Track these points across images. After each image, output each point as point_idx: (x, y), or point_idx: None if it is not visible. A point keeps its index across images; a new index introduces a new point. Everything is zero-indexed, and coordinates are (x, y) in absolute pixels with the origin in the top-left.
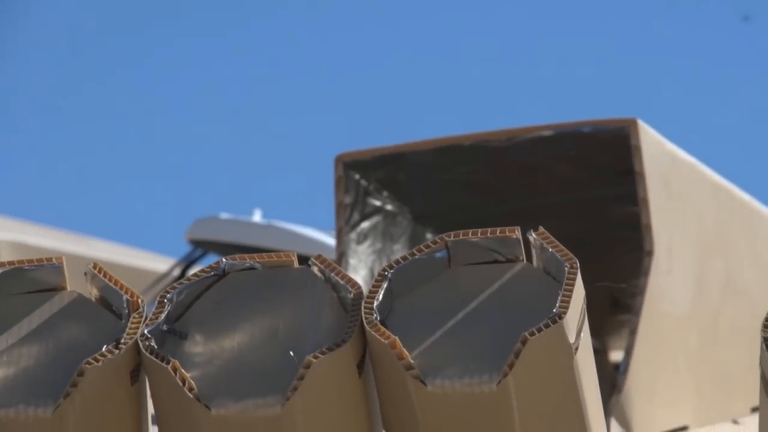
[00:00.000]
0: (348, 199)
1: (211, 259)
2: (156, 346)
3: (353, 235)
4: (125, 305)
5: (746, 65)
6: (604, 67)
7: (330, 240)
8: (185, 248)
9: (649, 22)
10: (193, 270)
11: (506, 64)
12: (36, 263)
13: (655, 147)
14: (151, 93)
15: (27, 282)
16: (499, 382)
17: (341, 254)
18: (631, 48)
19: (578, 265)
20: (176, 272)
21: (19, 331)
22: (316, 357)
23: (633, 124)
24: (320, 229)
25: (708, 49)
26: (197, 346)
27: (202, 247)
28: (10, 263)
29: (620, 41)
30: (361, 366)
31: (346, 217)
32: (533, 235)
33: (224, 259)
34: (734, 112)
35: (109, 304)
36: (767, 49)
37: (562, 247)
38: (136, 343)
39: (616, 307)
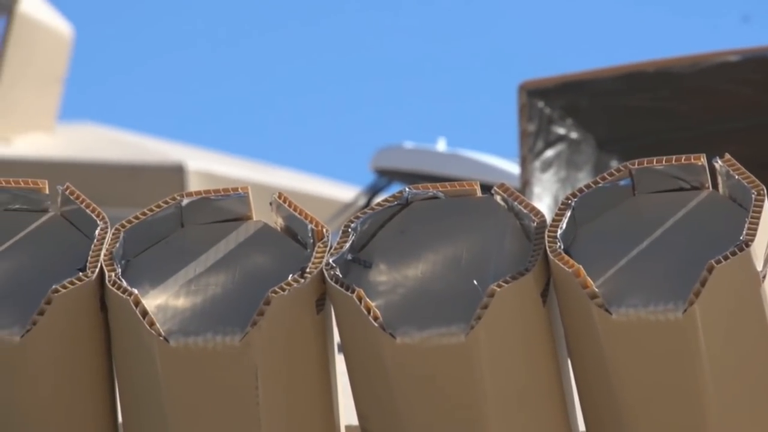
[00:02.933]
0: (532, 127)
1: (396, 188)
2: (341, 275)
3: (537, 164)
4: (310, 234)
5: (449, 90)
6: (305, 85)
7: (513, 168)
8: (370, 177)
9: (648, 22)
10: (379, 199)
11: None
12: (222, 193)
13: None
14: (336, 22)
15: (213, 211)
16: (685, 310)
17: (525, 182)
18: (631, 48)
19: (765, 191)
20: (361, 201)
21: (206, 261)
22: (499, 285)
23: None
24: (504, 158)
25: (708, 49)
26: (381, 275)
27: (386, 175)
28: (197, 193)
29: (620, 41)
30: (545, 295)
31: (530, 145)
32: (719, 161)
33: (407, 188)
34: (437, 133)
35: (294, 233)
36: None
37: (748, 173)
38: (321, 272)
39: None
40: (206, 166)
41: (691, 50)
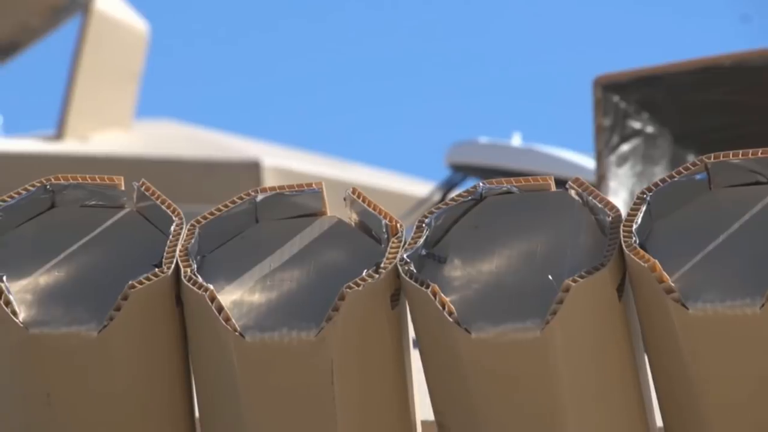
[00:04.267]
0: (607, 122)
1: (471, 183)
2: (415, 271)
3: (613, 158)
4: (384, 230)
5: (526, 83)
6: (382, 79)
7: (589, 163)
8: (445, 172)
9: (648, 22)
10: (453, 194)
11: None
12: (296, 188)
13: None
14: (413, 16)
15: (288, 207)
16: (763, 305)
17: (601, 177)
18: (631, 48)
19: None
20: (436, 197)
21: (281, 256)
22: (575, 280)
23: None
24: (579, 152)
25: (707, 49)
26: (456, 270)
27: (461, 171)
28: (272, 189)
29: (618, 41)
30: (620, 290)
31: (606, 140)
32: None
33: (481, 183)
34: (512, 128)
35: (368, 228)
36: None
37: None
38: (396, 267)
39: None
40: (282, 162)
41: (691, 50)
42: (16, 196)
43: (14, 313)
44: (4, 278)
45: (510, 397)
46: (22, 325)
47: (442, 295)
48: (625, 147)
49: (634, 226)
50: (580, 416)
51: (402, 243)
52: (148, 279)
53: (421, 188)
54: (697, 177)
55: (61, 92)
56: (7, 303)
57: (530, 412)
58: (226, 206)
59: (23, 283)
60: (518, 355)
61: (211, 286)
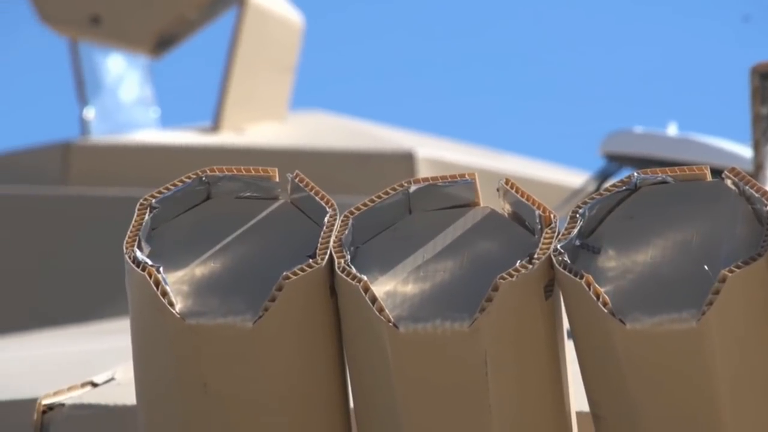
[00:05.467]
0: (765, 111)
1: (625, 173)
2: (569, 261)
3: None
4: (537, 220)
5: (746, 65)
6: (535, 69)
7: (746, 152)
8: (599, 162)
9: (647, 22)
10: (608, 184)
11: None
12: (449, 179)
13: None
14: (566, 6)
15: (441, 198)
16: None
17: (758, 166)
18: (630, 47)
19: None
20: (590, 187)
21: (434, 247)
22: (731, 270)
23: None
24: (736, 142)
25: (708, 49)
26: (610, 261)
27: (616, 161)
28: (425, 179)
29: (617, 41)
30: None
31: (763, 129)
32: None
33: (636, 173)
34: (732, 112)
35: (522, 219)
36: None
37: None
38: (549, 258)
39: None
40: (435, 153)
41: (691, 50)
42: (172, 188)
43: (171, 304)
44: (161, 269)
45: (665, 388)
46: (178, 316)
47: (597, 285)
48: None
49: None
50: (736, 407)
51: (555, 233)
52: (302, 270)
53: (575, 178)
54: None
55: (217, 85)
56: (164, 294)
57: (686, 403)
58: (379, 197)
59: (180, 274)
60: (674, 346)
61: (364, 277)
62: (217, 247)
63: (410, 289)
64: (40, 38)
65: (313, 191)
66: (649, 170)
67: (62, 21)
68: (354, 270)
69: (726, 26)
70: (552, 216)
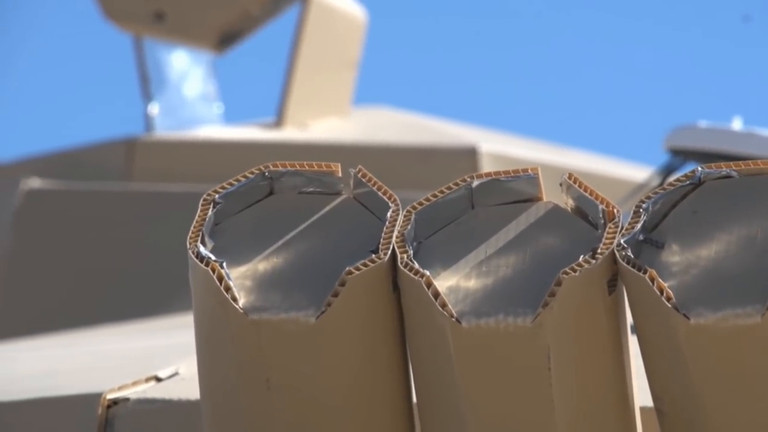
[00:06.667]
0: None
1: (690, 168)
2: (633, 256)
3: None
4: (601, 215)
5: (746, 65)
6: (600, 65)
7: None
8: (664, 157)
9: (647, 22)
10: (672, 179)
11: None
12: (512, 174)
13: None
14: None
15: (503, 193)
16: None
17: None
18: (629, 47)
19: None
20: (654, 182)
21: (497, 242)
22: None
23: None
24: None
25: (707, 48)
26: (674, 256)
27: (680, 155)
28: (487, 174)
29: (615, 40)
30: None
31: None
32: None
33: (700, 168)
34: (732, 111)
35: (585, 213)
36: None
37: None
38: (613, 252)
39: None
40: (498, 147)
41: (690, 50)
42: (235, 183)
43: (234, 299)
44: (225, 264)
45: (729, 383)
46: (241, 311)
47: (660, 280)
48: None
49: None
50: None
51: (619, 228)
52: (365, 265)
53: (638, 173)
54: None
55: (280, 81)
56: (228, 289)
57: (753, 398)
58: (441, 192)
59: (242, 269)
60: (739, 341)
61: (427, 272)
62: (280, 242)
63: (473, 284)
64: (104, 35)
65: (375, 186)
66: (713, 164)
67: (126, 17)
68: (416, 265)
69: None
70: (615, 211)
